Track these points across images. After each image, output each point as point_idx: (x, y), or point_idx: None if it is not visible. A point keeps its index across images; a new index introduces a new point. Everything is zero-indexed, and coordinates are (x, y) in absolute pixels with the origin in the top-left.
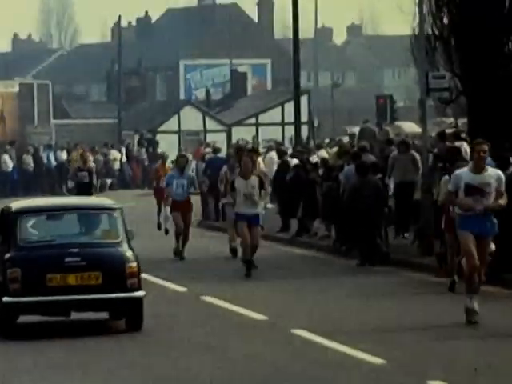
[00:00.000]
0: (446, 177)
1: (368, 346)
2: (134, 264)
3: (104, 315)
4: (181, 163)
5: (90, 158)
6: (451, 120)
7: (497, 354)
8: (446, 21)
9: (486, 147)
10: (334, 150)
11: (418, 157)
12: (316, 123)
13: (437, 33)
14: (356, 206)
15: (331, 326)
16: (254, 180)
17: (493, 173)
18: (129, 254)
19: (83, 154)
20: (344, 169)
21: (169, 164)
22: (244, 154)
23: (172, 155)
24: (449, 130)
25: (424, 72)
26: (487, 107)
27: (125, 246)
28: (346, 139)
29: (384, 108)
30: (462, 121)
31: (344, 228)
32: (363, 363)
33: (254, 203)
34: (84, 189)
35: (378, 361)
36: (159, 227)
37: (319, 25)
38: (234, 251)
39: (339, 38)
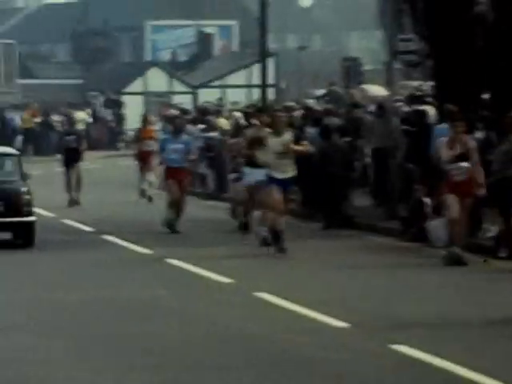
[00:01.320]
0: (442, 139)
1: (331, 309)
2: (28, 196)
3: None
4: (177, 125)
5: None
6: (417, 83)
7: (458, 319)
8: None
9: None
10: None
11: (395, 121)
12: (283, 86)
13: None
14: (324, 170)
15: (295, 290)
16: (287, 136)
17: None
18: (24, 188)
19: (71, 115)
20: (307, 132)
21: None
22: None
23: (137, 116)
24: (417, 93)
25: (391, 35)
26: (454, 70)
27: (21, 183)
28: (311, 102)
29: (350, 70)
30: (429, 84)
31: (310, 191)
32: (327, 327)
33: (287, 165)
34: (72, 155)
35: (341, 325)
36: (143, 194)
37: None
38: (246, 225)
39: None
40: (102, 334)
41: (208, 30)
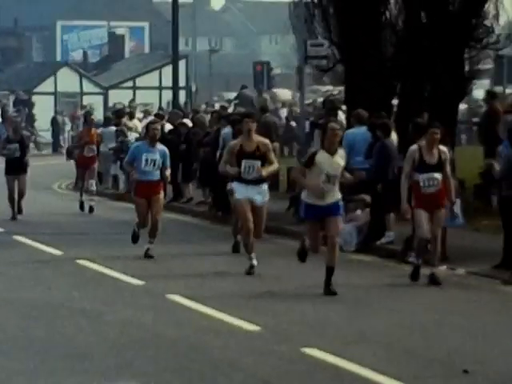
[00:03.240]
0: (414, 146)
1: (244, 313)
2: None
3: None
4: (153, 132)
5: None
6: (327, 88)
7: (367, 322)
8: None
9: None
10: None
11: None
12: (194, 88)
13: (315, 0)
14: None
15: (207, 292)
16: (340, 157)
17: None
18: None
19: (10, 120)
20: (222, 134)
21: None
22: (330, 120)
23: (48, 116)
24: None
25: (302, 39)
26: (364, 76)
27: None
28: (223, 105)
29: (261, 74)
30: (339, 89)
31: (220, 194)
32: (239, 330)
33: (333, 190)
34: (15, 165)
35: (253, 328)
36: (82, 207)
37: None
38: (237, 247)
39: (217, 3)
40: (13, 337)
41: (119, 31)
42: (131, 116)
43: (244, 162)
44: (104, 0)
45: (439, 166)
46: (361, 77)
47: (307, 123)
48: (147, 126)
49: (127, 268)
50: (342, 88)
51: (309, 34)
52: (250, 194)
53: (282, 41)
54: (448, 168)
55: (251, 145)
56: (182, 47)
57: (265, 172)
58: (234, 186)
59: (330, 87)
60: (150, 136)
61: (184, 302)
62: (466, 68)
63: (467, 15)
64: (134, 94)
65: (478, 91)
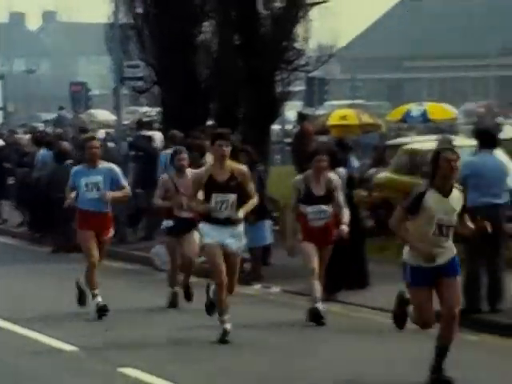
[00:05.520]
0: (299, 177)
1: (60, 333)
2: None
3: None
4: (91, 151)
5: None
6: (145, 109)
7: (185, 341)
8: (139, 10)
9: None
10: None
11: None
12: (11, 109)
13: (130, 22)
14: (53, 193)
15: (25, 313)
16: (456, 199)
17: None
18: None
19: None
20: (38, 155)
21: None
22: (444, 148)
23: None
24: (145, 119)
25: (118, 61)
26: (179, 97)
27: None
28: (40, 126)
29: (78, 95)
30: (157, 110)
31: (38, 215)
32: (56, 350)
33: (447, 244)
34: None
35: (69, 348)
36: None
37: (12, 9)
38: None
39: (34, 23)
40: None
41: None
42: None
43: (215, 196)
44: None
45: (328, 197)
46: (176, 98)
47: (125, 144)
48: (83, 146)
49: None
50: (159, 109)
51: (125, 56)
52: (221, 238)
53: (99, 61)
54: (340, 197)
55: (224, 174)
56: None
57: (242, 213)
58: (201, 226)
59: (147, 108)
60: (88, 155)
61: (0, 323)
62: (278, 89)
63: (278, 37)
64: None
65: (291, 112)
